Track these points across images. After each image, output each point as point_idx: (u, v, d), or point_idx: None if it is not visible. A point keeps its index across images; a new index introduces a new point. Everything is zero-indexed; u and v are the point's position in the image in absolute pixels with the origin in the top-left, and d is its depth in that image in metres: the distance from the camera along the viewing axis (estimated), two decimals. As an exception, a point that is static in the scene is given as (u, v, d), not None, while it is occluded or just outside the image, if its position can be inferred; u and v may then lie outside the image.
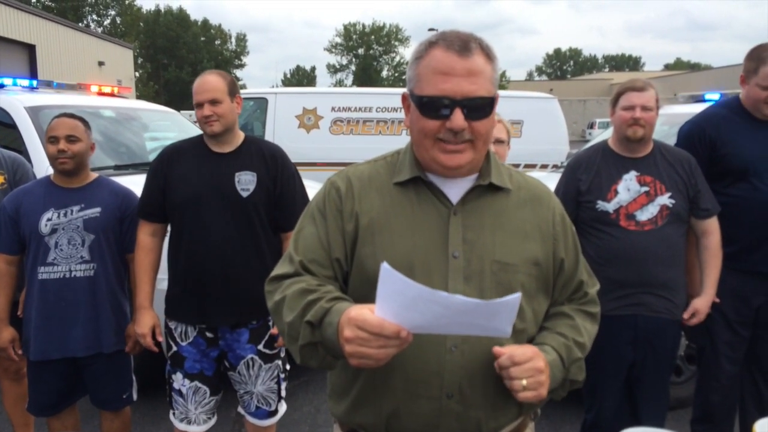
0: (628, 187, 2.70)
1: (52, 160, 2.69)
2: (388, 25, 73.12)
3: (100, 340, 2.75)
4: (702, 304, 2.78)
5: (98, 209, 2.74)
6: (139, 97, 35.00)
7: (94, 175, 2.84)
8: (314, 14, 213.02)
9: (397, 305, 1.13)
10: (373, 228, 1.42)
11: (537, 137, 9.61)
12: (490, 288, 1.38)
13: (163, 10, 62.33)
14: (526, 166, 9.38)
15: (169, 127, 6.12)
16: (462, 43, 1.34)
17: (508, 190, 1.48)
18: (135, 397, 2.97)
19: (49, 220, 2.67)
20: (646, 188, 2.68)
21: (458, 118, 1.32)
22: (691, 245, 2.83)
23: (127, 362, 2.92)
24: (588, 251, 2.74)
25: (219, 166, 2.66)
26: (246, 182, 2.64)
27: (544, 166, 9.36)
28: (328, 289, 1.38)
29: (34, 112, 4.44)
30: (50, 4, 50.51)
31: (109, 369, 2.82)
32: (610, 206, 2.69)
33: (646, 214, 2.66)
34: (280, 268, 1.48)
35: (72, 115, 2.79)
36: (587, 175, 2.78)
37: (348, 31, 73.43)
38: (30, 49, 23.34)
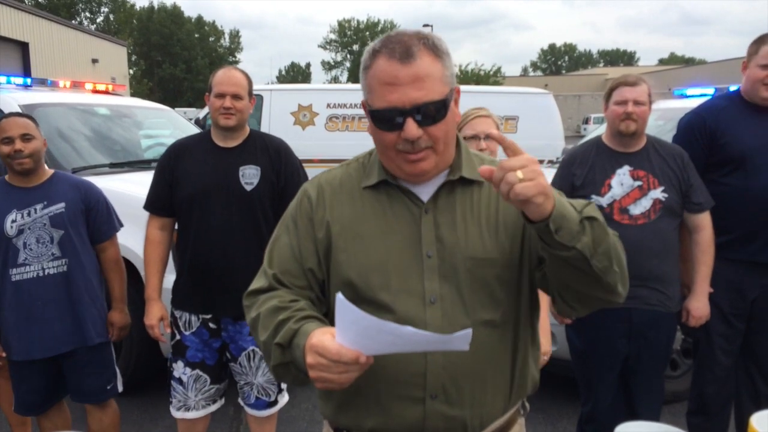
0: (621, 181, 2.71)
1: (9, 160, 2.66)
2: (382, 21, 73.24)
3: (83, 333, 2.77)
4: (696, 305, 2.80)
5: (62, 204, 2.74)
6: (133, 95, 34.92)
7: (50, 171, 2.84)
8: (308, 10, 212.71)
9: (353, 333, 1.15)
10: (345, 235, 1.42)
11: (532, 133, 9.62)
12: (467, 285, 1.36)
13: (156, 7, 62.07)
14: (522, 161, 9.40)
15: (163, 124, 6.12)
16: (404, 49, 1.29)
17: (481, 182, 1.43)
18: (120, 388, 2.98)
19: (14, 221, 2.67)
20: (639, 182, 2.69)
21: (411, 128, 1.29)
22: (685, 236, 2.85)
23: (109, 353, 2.94)
24: (582, 245, 2.76)
25: (224, 160, 2.72)
26: (250, 176, 2.70)
27: (539, 162, 9.34)
28: (300, 306, 1.38)
29: (28, 110, 4.43)
30: (42, 1, 50.22)
31: (90, 360, 2.83)
32: (603, 200, 2.71)
33: (639, 208, 2.68)
34: (256, 282, 1.49)
35: (21, 114, 2.79)
36: (582, 170, 2.79)
37: (342, 28, 73.27)
38: (23, 47, 23.24)
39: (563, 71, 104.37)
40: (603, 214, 2.59)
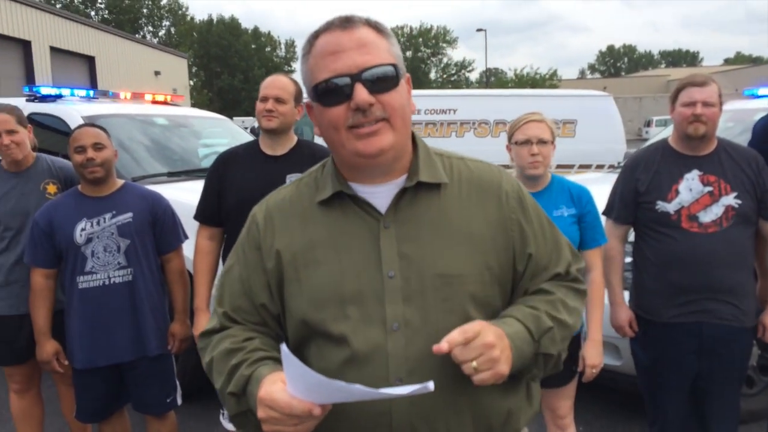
0: (690, 186, 2.56)
1: (81, 169, 2.71)
2: (435, 27, 73.11)
3: (144, 343, 2.79)
4: None
5: (130, 214, 2.77)
6: (193, 105, 35.91)
7: (121, 181, 2.88)
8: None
9: (303, 387, 1.06)
10: (296, 262, 1.27)
11: (592, 137, 9.37)
12: (435, 306, 1.21)
13: (215, 20, 63.74)
14: (581, 166, 9.16)
15: (220, 133, 6.21)
16: (344, 19, 1.23)
17: (446, 185, 1.30)
18: (179, 401, 2.99)
19: (83, 230, 2.70)
20: (709, 188, 2.54)
21: (361, 93, 1.17)
22: (760, 245, 2.66)
23: (169, 366, 2.95)
24: (647, 254, 2.63)
25: (270, 168, 2.71)
26: None
27: (599, 167, 9.11)
28: (254, 346, 1.26)
29: (91, 121, 4.55)
30: (108, 17, 52.30)
31: (152, 372, 2.85)
32: (670, 207, 2.56)
33: (710, 215, 2.52)
34: (209, 323, 1.38)
35: (93, 124, 2.84)
36: (646, 175, 2.65)
37: (395, 34, 73.08)
38: (90, 61, 24.23)
39: (622, 73, 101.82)
40: (671, 221, 2.51)
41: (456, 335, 1.11)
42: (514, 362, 1.17)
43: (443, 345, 1.10)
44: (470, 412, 1.25)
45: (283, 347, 1.03)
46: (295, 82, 2.78)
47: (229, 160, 2.80)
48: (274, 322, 1.34)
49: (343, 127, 1.20)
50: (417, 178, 1.27)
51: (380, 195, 1.28)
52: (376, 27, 1.24)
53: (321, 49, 1.21)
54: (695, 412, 2.71)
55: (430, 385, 1.02)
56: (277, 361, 1.21)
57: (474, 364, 1.10)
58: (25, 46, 19.96)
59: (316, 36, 1.23)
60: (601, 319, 2.55)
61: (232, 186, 2.72)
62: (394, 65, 1.22)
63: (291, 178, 2.68)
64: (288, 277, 1.29)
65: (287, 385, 1.08)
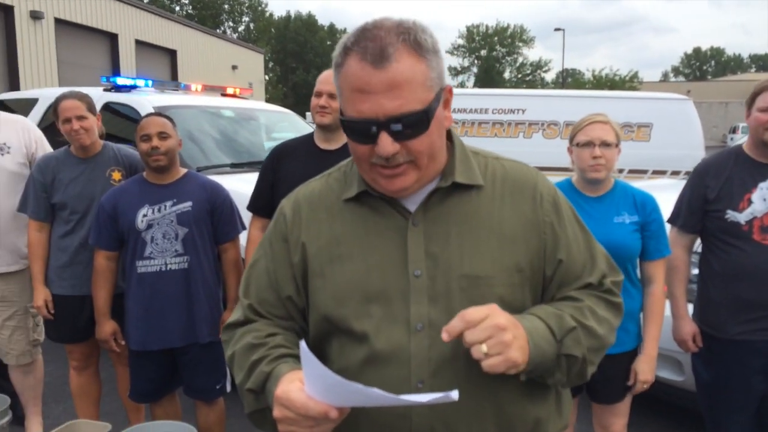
0: (764, 196, 2.39)
1: (146, 157, 2.79)
2: (512, 26, 71.95)
3: (195, 330, 2.84)
4: None
5: (189, 203, 2.83)
6: (268, 100, 36.73)
7: (183, 170, 2.94)
8: (437, 16, 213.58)
9: (321, 388, 1.02)
10: (321, 257, 1.25)
11: (668, 142, 8.98)
12: (461, 308, 1.12)
13: (293, 16, 65.00)
14: (655, 172, 8.80)
15: (286, 127, 6.31)
16: (378, 50, 1.08)
17: (480, 186, 1.24)
18: (228, 388, 3.04)
19: (144, 216, 2.78)
20: (786, 198, 2.36)
21: (385, 144, 1.10)
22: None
23: (220, 353, 2.97)
24: (714, 266, 2.48)
25: (324, 162, 2.65)
26: None
27: (675, 173, 8.72)
28: (276, 342, 1.24)
29: (160, 111, 4.70)
30: (192, 12, 54.19)
31: (203, 359, 2.90)
32: (741, 217, 2.40)
33: (786, 227, 2.35)
34: (233, 315, 1.36)
35: (160, 114, 2.91)
36: (716, 182, 2.50)
37: (471, 33, 72.81)
38: (172, 54, 25.16)
39: (708, 77, 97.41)
40: (741, 232, 2.35)
41: (456, 321, 1.06)
42: (533, 358, 1.11)
43: (443, 334, 1.06)
44: (494, 419, 1.20)
45: (303, 345, 1.00)
46: None
47: (283, 153, 2.82)
48: (300, 316, 1.32)
49: (367, 161, 1.17)
50: (452, 178, 1.23)
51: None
52: (416, 47, 1.11)
53: (350, 80, 1.12)
54: (760, 437, 2.54)
55: (454, 395, 0.97)
56: (298, 359, 1.17)
57: (483, 347, 1.04)
58: (112, 38, 20.91)
59: (347, 51, 1.13)
60: (659, 333, 2.42)
61: (286, 179, 2.72)
62: (426, 109, 1.11)
63: None
64: (312, 271, 1.27)
65: (305, 385, 1.05)
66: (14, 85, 15.89)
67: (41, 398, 3.51)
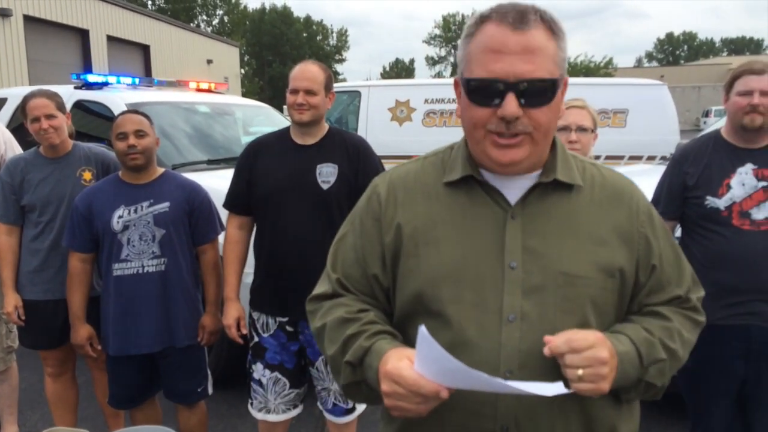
0: (743, 181, 2.40)
1: (123, 156, 2.71)
2: (487, 14, 71.75)
3: (172, 334, 2.78)
4: None
5: (167, 204, 2.76)
6: (244, 94, 36.41)
7: (161, 170, 2.87)
8: (412, 6, 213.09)
9: (435, 369, 1.06)
10: (417, 238, 1.26)
11: (644, 127, 9.04)
12: (555, 304, 1.18)
13: (267, 9, 64.48)
14: (631, 157, 8.87)
15: (263, 122, 6.24)
16: (518, 15, 1.13)
17: (579, 187, 1.27)
18: (210, 391, 2.99)
19: (120, 217, 2.71)
20: (764, 183, 2.37)
21: (511, 105, 1.12)
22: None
23: (200, 356, 2.95)
24: (694, 252, 2.48)
25: (301, 158, 2.65)
26: (327, 174, 2.62)
27: (651, 158, 8.80)
28: (369, 318, 1.27)
29: (134, 108, 4.61)
30: (164, 6, 53.44)
31: (183, 363, 2.85)
32: (721, 202, 2.41)
33: (764, 212, 2.36)
34: (319, 286, 1.39)
35: (136, 111, 2.84)
36: (695, 168, 2.50)
37: (447, 23, 72.94)
38: (145, 49, 24.81)
39: (681, 61, 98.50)
40: (721, 218, 2.36)
41: (561, 344, 1.11)
42: (617, 381, 1.16)
43: (545, 349, 1.12)
44: (578, 417, 1.23)
45: (422, 329, 1.03)
46: (325, 69, 2.70)
47: (259, 148, 2.75)
48: (383, 295, 1.33)
49: (483, 128, 1.18)
50: (554, 175, 1.25)
51: (511, 186, 1.26)
52: (550, 25, 1.17)
53: (485, 41, 1.15)
54: (741, 419, 2.55)
55: (560, 387, 1.04)
56: (393, 336, 1.25)
57: (580, 372, 1.09)
58: (83, 34, 20.56)
59: (482, 20, 1.17)
60: None
61: (262, 175, 2.68)
62: (555, 79, 1.16)
63: (321, 167, 2.63)
64: (406, 251, 1.27)
65: (416, 364, 1.08)
66: (-17, 85, 15.58)
67: (17, 406, 3.44)
